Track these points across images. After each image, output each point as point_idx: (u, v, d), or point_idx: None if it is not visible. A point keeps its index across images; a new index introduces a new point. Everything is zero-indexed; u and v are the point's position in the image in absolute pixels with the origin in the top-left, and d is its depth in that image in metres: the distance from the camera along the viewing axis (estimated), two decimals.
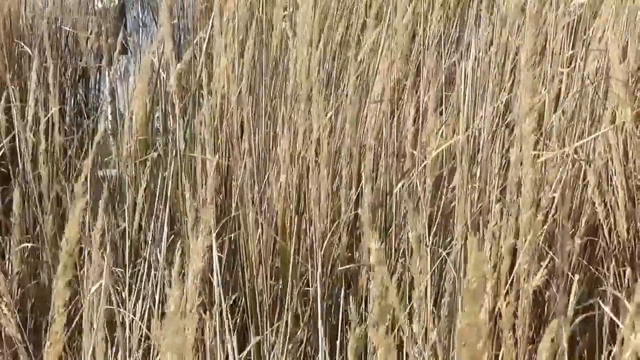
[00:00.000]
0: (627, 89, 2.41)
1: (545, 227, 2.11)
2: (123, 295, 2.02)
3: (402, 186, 2.38)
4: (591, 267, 2.41)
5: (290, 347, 2.23)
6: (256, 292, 2.30)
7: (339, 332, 2.11)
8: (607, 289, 2.23)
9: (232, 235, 2.47)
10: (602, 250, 2.47)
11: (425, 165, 2.31)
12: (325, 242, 2.28)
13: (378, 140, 2.44)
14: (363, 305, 2.29)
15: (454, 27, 3.14)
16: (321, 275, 2.20)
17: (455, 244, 2.00)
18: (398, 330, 1.88)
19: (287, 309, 2.25)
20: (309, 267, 2.31)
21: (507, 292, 1.81)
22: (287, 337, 2.22)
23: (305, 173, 2.38)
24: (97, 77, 3.86)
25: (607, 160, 2.45)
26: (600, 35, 2.71)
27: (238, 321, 2.38)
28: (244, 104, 2.56)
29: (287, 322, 2.23)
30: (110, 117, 3.45)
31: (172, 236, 2.51)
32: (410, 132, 2.46)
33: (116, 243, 2.43)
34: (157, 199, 2.38)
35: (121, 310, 1.96)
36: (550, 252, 2.15)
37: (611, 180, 2.47)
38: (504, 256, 1.79)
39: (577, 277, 1.69)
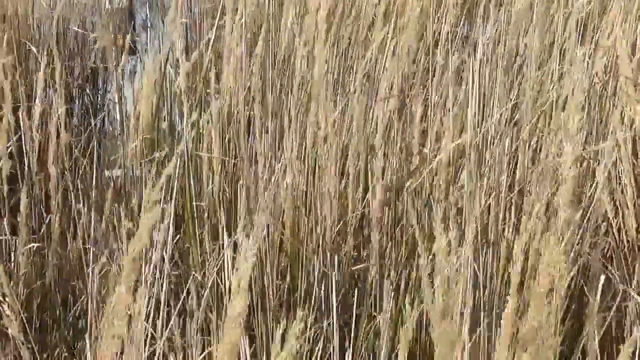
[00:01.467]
0: (637, 87, 2.39)
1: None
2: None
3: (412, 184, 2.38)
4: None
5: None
6: (264, 291, 2.29)
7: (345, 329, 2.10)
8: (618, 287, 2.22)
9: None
10: (611, 248, 2.45)
11: (436, 163, 2.30)
12: (333, 241, 2.27)
13: (385, 138, 2.43)
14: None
15: (461, 24, 3.12)
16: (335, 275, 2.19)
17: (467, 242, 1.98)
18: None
19: (295, 308, 2.25)
20: (315, 264, 2.29)
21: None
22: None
23: (312, 171, 2.37)
24: (105, 78, 3.86)
25: (616, 159, 2.43)
26: (609, 32, 2.70)
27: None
28: (252, 102, 2.56)
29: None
30: (117, 117, 3.45)
31: (178, 236, 2.50)
32: (418, 130, 2.45)
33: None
34: (162, 198, 2.37)
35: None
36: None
37: (620, 179, 2.45)
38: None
39: (603, 276, 1.67)
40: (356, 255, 2.40)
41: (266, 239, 2.28)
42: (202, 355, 1.87)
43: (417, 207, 2.26)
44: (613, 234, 2.44)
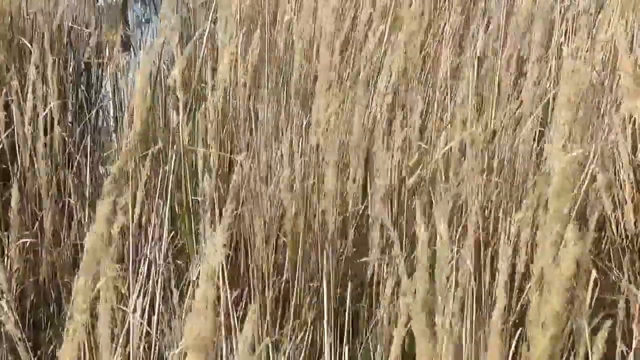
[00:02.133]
0: (636, 81, 2.37)
1: None
2: (123, 292, 1.99)
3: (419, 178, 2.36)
4: (598, 262, 2.39)
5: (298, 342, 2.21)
6: (261, 287, 2.28)
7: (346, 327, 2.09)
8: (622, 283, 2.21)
9: (235, 230, 2.44)
10: (609, 243, 2.44)
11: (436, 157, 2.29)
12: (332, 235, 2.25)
13: (385, 133, 2.41)
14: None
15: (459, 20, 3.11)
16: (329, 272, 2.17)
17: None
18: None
19: (295, 305, 2.24)
20: (314, 259, 2.28)
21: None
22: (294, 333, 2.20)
23: (310, 167, 2.35)
24: (99, 73, 3.83)
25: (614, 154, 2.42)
26: (606, 26, 2.69)
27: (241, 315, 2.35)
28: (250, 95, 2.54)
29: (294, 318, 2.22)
30: (111, 113, 3.43)
31: (173, 232, 2.48)
32: (417, 125, 2.43)
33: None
34: (157, 194, 2.35)
35: (121, 307, 1.93)
36: None
37: (618, 173, 2.44)
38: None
39: (594, 273, 1.66)
40: (354, 250, 2.39)
41: (263, 234, 2.27)
42: (179, 349, 1.85)
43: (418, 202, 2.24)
44: (611, 228, 2.43)
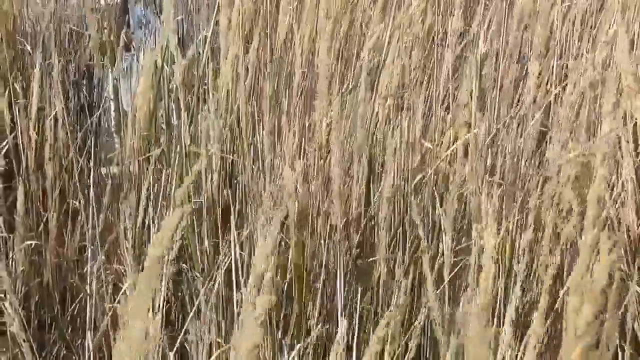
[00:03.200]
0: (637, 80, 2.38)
1: None
2: (127, 293, 2.00)
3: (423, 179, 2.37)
4: None
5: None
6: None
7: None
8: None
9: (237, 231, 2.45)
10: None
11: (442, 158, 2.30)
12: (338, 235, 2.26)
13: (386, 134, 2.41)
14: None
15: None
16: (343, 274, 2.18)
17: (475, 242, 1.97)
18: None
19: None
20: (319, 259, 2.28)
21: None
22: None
23: (313, 168, 2.36)
24: (101, 75, 3.84)
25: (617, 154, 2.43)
26: (607, 26, 2.69)
27: None
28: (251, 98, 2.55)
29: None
30: (113, 114, 3.43)
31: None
32: (420, 126, 2.44)
33: (119, 241, 2.41)
34: (160, 196, 2.36)
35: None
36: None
37: (620, 175, 2.45)
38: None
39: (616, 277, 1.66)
40: (358, 252, 2.39)
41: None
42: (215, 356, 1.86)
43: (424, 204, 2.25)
44: (613, 228, 2.43)
